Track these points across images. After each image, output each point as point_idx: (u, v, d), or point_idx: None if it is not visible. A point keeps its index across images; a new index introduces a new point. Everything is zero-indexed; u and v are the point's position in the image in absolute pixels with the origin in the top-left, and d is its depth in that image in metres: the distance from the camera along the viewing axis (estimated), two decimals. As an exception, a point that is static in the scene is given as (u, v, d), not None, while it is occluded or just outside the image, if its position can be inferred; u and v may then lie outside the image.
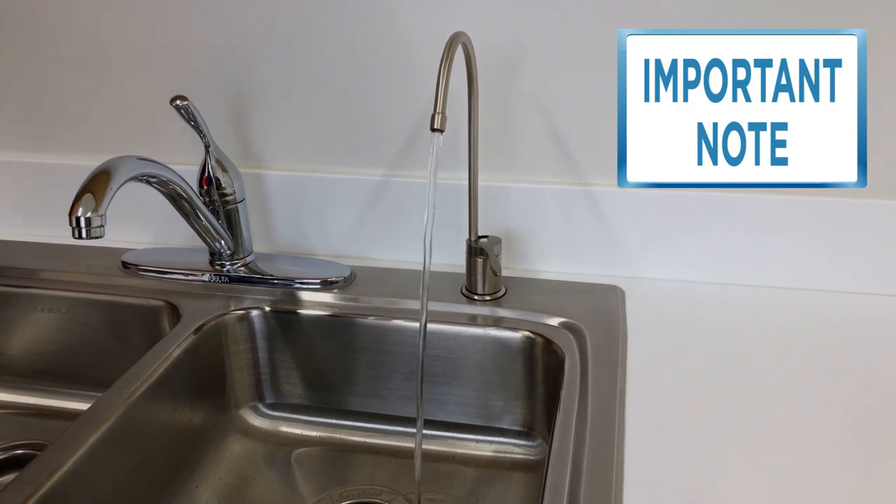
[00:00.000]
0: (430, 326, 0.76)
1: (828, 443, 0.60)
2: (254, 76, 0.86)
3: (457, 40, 0.63)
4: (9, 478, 0.79)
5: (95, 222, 0.61)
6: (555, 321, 0.77)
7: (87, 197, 0.61)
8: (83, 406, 0.88)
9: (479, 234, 0.80)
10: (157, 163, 0.71)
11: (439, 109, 0.60)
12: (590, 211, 0.83)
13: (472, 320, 0.78)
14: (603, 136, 0.80)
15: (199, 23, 0.84)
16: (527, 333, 0.76)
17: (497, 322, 0.77)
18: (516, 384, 0.78)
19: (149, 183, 0.71)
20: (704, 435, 0.61)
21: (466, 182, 0.76)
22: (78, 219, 0.61)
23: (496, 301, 0.80)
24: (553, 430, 0.62)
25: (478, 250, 0.79)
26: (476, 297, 0.81)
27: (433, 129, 0.60)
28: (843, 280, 0.81)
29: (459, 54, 0.65)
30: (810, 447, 0.59)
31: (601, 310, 0.78)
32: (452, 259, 0.85)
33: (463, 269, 0.82)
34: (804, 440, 0.60)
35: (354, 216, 0.90)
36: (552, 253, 0.86)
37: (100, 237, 0.61)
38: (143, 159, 0.69)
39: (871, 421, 0.62)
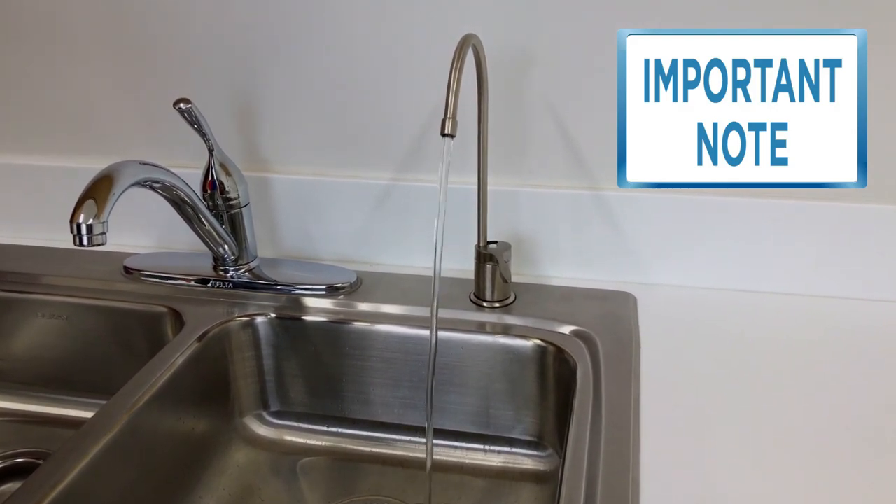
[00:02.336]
0: (439, 334, 0.74)
1: (850, 456, 0.58)
2: (259, 78, 0.84)
3: (467, 43, 0.62)
4: (9, 487, 0.78)
5: (97, 229, 0.60)
6: (566, 329, 0.75)
7: (89, 203, 0.60)
8: (84, 413, 0.88)
9: (489, 239, 0.78)
10: (160, 167, 0.69)
11: (450, 114, 0.59)
12: (601, 216, 0.81)
13: (481, 328, 0.76)
14: (615, 139, 0.78)
15: (203, 24, 0.83)
16: (537, 342, 0.74)
17: (506, 330, 0.76)
18: (526, 393, 0.76)
19: (152, 188, 0.70)
20: (722, 449, 0.59)
21: (475, 186, 0.75)
22: (79, 225, 0.59)
23: (505, 308, 0.79)
24: (566, 442, 0.61)
25: (487, 256, 0.77)
26: (485, 304, 0.79)
27: (444, 135, 0.59)
28: (860, 287, 0.80)
29: (469, 56, 0.64)
30: (831, 461, 0.58)
31: (613, 317, 0.77)
32: (460, 264, 0.84)
33: (471, 275, 0.80)
34: (824, 453, 0.59)
35: (361, 220, 0.88)
36: (562, 259, 0.85)
37: (102, 244, 0.60)
38: (145, 164, 0.68)
39: (889, 431, 0.61)
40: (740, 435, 0.61)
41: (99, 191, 0.61)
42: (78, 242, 0.60)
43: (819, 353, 0.72)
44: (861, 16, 0.69)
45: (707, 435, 0.61)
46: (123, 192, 0.63)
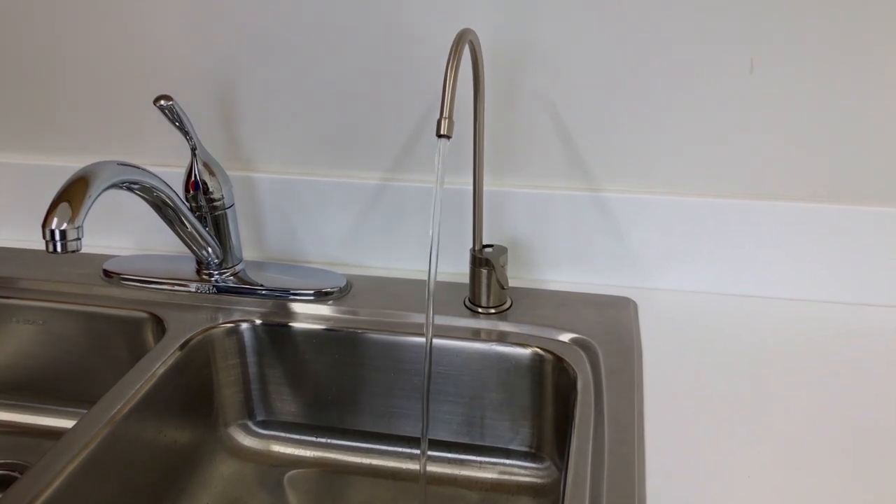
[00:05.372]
0: (432, 341, 0.72)
1: (863, 468, 0.56)
2: (243, 72, 0.81)
3: (464, 38, 0.59)
4: (-18, 501, 0.74)
5: (71, 235, 0.56)
6: (565, 337, 0.72)
7: (63, 206, 0.57)
8: (61, 423, 0.85)
9: (484, 242, 0.75)
10: (138, 168, 0.66)
11: (446, 114, 0.56)
12: (600, 218, 0.79)
13: (476, 335, 0.74)
14: (615, 138, 0.76)
15: (186, 18, 0.79)
16: (535, 350, 0.71)
17: (502, 337, 0.73)
18: (523, 403, 0.74)
19: (130, 190, 0.66)
20: (732, 465, 0.57)
21: (471, 187, 0.72)
22: (52, 231, 0.56)
23: (501, 314, 0.76)
24: (567, 457, 0.58)
25: (482, 261, 0.74)
26: (480, 311, 0.76)
27: (440, 136, 0.56)
28: (865, 292, 0.78)
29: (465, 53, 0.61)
30: (841, 472, 0.56)
31: (614, 324, 0.74)
32: (454, 267, 0.81)
33: (466, 279, 0.78)
34: (834, 463, 0.56)
35: (351, 222, 0.85)
36: (560, 262, 0.82)
37: (76, 251, 0.57)
38: (124, 164, 0.64)
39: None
40: (749, 448, 0.58)
41: (74, 194, 0.58)
42: (51, 249, 0.56)
43: (824, 359, 0.70)
44: (862, 15, 0.67)
45: (715, 450, 0.58)
46: (100, 194, 0.60)
